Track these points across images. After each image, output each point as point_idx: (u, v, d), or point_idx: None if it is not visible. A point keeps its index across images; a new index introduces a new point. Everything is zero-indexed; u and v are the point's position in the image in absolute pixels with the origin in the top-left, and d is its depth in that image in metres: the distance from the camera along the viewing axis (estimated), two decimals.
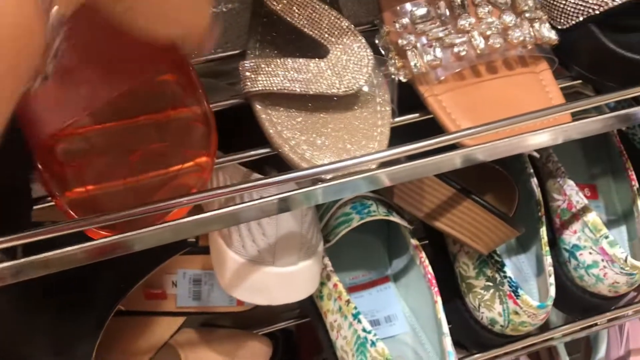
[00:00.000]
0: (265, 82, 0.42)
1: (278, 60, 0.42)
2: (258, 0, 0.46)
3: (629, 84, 0.47)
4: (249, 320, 0.72)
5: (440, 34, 0.43)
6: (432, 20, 0.44)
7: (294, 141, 0.42)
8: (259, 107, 0.43)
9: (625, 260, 0.56)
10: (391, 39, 0.45)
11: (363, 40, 0.43)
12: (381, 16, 0.47)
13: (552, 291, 0.55)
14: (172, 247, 0.53)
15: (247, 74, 0.43)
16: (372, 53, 0.43)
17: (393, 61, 0.45)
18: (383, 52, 0.46)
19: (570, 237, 0.60)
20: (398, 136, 0.46)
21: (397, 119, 0.46)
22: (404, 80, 0.44)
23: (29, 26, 0.28)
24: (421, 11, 0.44)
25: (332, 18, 0.43)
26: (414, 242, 0.56)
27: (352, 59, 0.42)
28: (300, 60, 0.42)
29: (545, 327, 0.69)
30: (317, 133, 0.42)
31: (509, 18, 0.44)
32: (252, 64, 0.43)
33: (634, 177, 0.63)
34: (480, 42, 0.43)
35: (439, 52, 0.43)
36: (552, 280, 0.56)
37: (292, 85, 0.42)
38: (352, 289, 0.59)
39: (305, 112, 0.43)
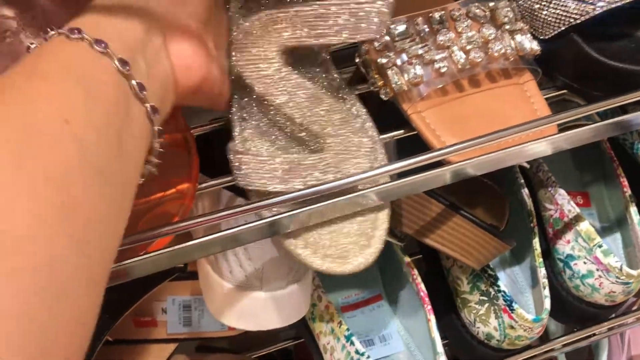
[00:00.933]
0: (259, 182, 0.40)
1: (272, 161, 0.40)
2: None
3: (614, 92, 0.46)
4: (247, 341, 0.71)
5: (420, 51, 0.43)
6: (412, 37, 0.43)
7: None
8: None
9: (621, 269, 0.55)
10: (371, 58, 0.44)
11: (362, 125, 0.42)
12: None
13: (547, 304, 0.54)
14: (160, 274, 0.52)
15: (240, 168, 0.41)
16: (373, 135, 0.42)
17: (374, 80, 0.44)
18: (363, 70, 0.45)
19: (564, 247, 0.59)
20: (388, 152, 0.45)
21: (382, 136, 0.45)
22: (385, 98, 0.44)
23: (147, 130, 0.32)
24: (400, 28, 0.43)
25: (328, 108, 0.40)
26: (405, 259, 0.55)
27: (349, 150, 0.41)
28: (294, 157, 0.40)
29: (545, 337, 0.68)
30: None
31: (488, 31, 0.44)
32: (243, 159, 0.40)
33: (626, 183, 0.62)
34: (460, 57, 0.43)
35: (419, 70, 0.42)
36: (546, 292, 0.55)
37: (286, 187, 0.40)
38: (344, 308, 0.58)
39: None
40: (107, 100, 0.28)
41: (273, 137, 0.43)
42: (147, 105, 0.31)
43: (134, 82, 0.30)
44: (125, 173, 0.29)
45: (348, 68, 0.51)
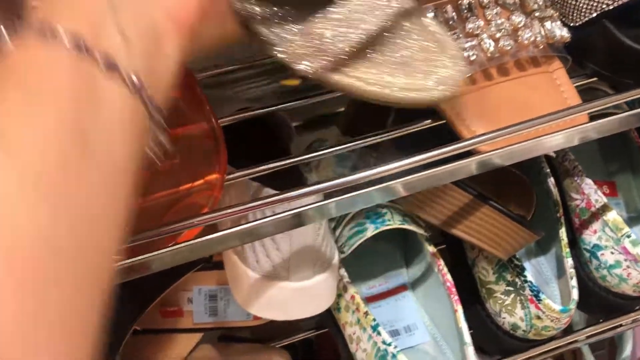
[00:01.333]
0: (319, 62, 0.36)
1: (311, 34, 0.35)
2: None
3: None
4: (268, 332, 0.71)
5: None
6: (440, 25, 0.43)
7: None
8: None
9: None
10: None
11: None
12: None
13: (575, 294, 0.54)
14: (186, 265, 0.52)
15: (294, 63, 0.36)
16: None
17: None
18: None
19: (590, 237, 0.58)
20: (410, 144, 0.45)
21: (409, 127, 0.45)
22: None
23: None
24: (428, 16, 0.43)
25: None
26: (431, 249, 0.55)
27: None
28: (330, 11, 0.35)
29: (568, 329, 0.67)
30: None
31: (518, 19, 0.43)
32: (288, 50, 0.36)
33: None
34: (490, 45, 0.42)
35: None
36: (574, 282, 0.55)
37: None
38: (369, 299, 0.58)
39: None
40: (58, 94, 0.24)
41: None
42: (125, 75, 0.26)
43: (97, 55, 0.25)
44: (104, 167, 0.25)
45: None
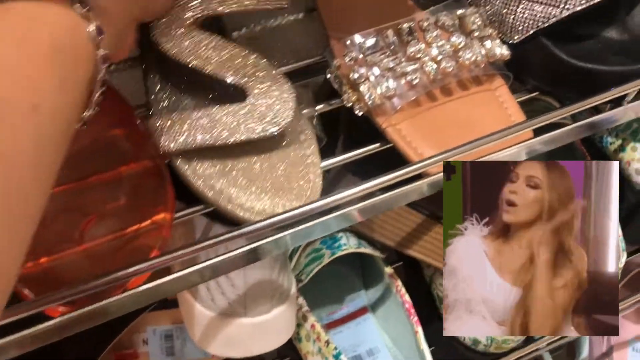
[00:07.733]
0: (180, 143, 0.40)
1: (189, 119, 0.40)
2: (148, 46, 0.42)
3: (584, 92, 0.46)
4: None
5: (391, 64, 0.42)
6: (382, 50, 0.43)
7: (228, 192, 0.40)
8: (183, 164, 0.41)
9: None
10: (342, 73, 0.44)
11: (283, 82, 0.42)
12: (330, 49, 0.45)
13: None
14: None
15: (160, 135, 0.40)
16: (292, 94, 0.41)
17: (347, 95, 0.43)
18: (335, 86, 0.45)
19: None
20: (359, 168, 0.45)
21: (358, 151, 0.45)
22: (359, 114, 0.43)
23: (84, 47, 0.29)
24: (370, 42, 0.43)
25: (246, 57, 0.41)
26: (388, 270, 0.54)
27: (273, 101, 0.40)
28: (213, 110, 0.40)
29: (530, 337, 0.68)
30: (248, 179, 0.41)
31: (458, 39, 0.44)
32: (162, 123, 0.41)
33: None
34: (432, 68, 0.43)
35: (392, 83, 0.42)
36: None
37: (210, 139, 0.40)
38: (330, 325, 0.58)
39: (232, 160, 0.41)
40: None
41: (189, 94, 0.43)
42: (91, 26, 0.29)
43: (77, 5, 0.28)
44: (68, 108, 0.28)
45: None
